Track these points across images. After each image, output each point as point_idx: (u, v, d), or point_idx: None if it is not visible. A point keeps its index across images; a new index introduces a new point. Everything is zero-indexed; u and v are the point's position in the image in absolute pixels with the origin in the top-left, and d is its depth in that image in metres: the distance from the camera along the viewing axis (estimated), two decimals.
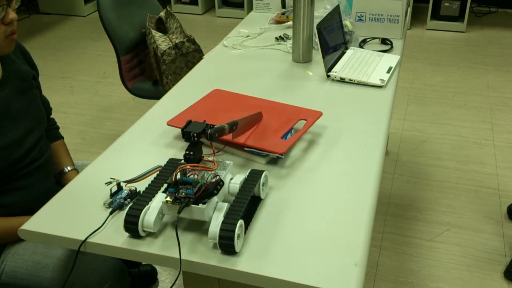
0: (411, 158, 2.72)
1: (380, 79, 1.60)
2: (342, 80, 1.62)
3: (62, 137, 1.55)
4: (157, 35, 2.32)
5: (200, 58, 2.28)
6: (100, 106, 3.38)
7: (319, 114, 1.33)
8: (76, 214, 1.05)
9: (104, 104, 3.40)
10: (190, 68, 1.80)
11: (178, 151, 1.27)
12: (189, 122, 1.06)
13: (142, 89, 2.48)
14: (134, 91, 2.48)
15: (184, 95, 1.56)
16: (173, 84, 1.68)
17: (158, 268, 1.95)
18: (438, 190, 2.46)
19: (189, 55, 2.34)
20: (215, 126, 1.06)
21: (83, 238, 0.98)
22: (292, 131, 1.29)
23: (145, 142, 1.32)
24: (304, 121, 1.30)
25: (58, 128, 1.56)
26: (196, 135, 1.02)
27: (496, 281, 1.94)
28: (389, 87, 1.59)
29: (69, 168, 1.47)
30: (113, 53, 2.33)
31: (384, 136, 1.32)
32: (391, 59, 1.75)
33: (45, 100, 1.48)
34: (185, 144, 1.03)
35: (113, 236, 0.99)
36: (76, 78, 3.76)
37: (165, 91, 1.61)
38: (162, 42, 2.30)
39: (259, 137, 1.24)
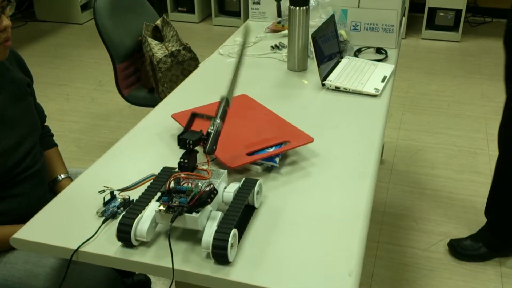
0: (406, 167, 2.72)
1: (375, 88, 1.60)
2: (337, 89, 1.62)
3: (56, 145, 1.55)
4: (153, 43, 2.32)
5: (196, 66, 2.28)
6: (95, 113, 3.37)
7: (308, 141, 1.25)
8: (68, 223, 1.05)
9: (100, 111, 3.40)
10: (186, 76, 1.80)
11: (172, 159, 1.27)
12: (186, 130, 1.06)
13: (138, 97, 2.48)
14: (130, 99, 2.47)
15: (179, 103, 1.55)
16: (169, 92, 1.68)
17: (152, 277, 1.94)
18: (433, 199, 2.46)
19: (185, 63, 2.34)
20: (210, 137, 1.06)
21: (75, 247, 0.97)
22: (271, 149, 1.24)
23: (139, 150, 1.31)
24: (287, 143, 1.25)
25: (52, 135, 1.55)
26: (192, 142, 1.02)
27: None
28: (383, 96, 1.59)
29: (62, 176, 1.46)
30: (109, 61, 2.33)
31: (378, 145, 1.32)
32: (386, 68, 1.75)
33: (40, 107, 1.48)
34: (180, 152, 1.03)
35: (105, 245, 0.98)
36: (72, 86, 3.76)
37: (161, 99, 1.60)
38: (158, 50, 2.30)
39: (225, 147, 1.21)
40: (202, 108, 1.45)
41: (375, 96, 1.58)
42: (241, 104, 1.46)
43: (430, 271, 2.03)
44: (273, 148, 1.23)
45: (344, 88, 1.61)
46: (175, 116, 1.40)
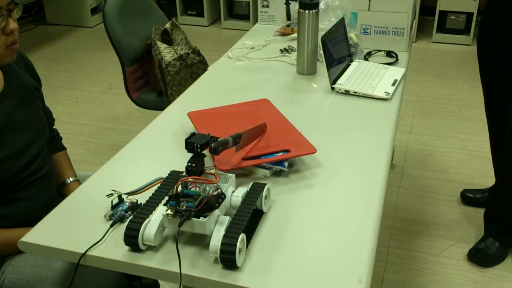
0: (417, 171, 2.70)
1: (385, 92, 1.58)
2: (346, 93, 1.61)
3: (65, 148, 1.55)
4: (162, 46, 2.32)
5: (205, 69, 2.28)
6: (105, 116, 3.38)
7: (309, 151, 1.21)
8: (76, 227, 1.04)
9: (109, 114, 3.40)
10: (194, 79, 1.80)
11: (180, 163, 1.26)
12: (193, 134, 1.06)
13: (147, 100, 2.47)
14: (139, 102, 2.47)
15: (188, 106, 1.55)
16: (178, 95, 1.67)
17: (160, 281, 1.93)
18: (445, 204, 2.43)
19: (193, 67, 2.34)
20: (219, 139, 1.05)
21: (83, 251, 0.96)
22: (269, 156, 1.21)
23: (147, 153, 1.31)
24: (287, 151, 1.22)
25: (60, 138, 1.55)
26: (200, 146, 1.01)
27: None
28: (394, 100, 1.57)
29: (71, 179, 1.46)
30: (118, 64, 2.33)
31: (389, 149, 1.31)
32: (397, 71, 1.74)
33: (48, 110, 1.48)
34: (188, 156, 1.02)
35: (113, 249, 0.97)
36: (81, 89, 3.77)
37: (170, 102, 1.60)
38: (167, 53, 2.30)
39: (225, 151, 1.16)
40: (218, 110, 1.44)
41: (385, 99, 1.57)
42: (258, 108, 1.45)
43: (441, 277, 2.00)
44: (271, 156, 1.21)
45: (354, 92, 1.60)
46: (190, 115, 1.39)
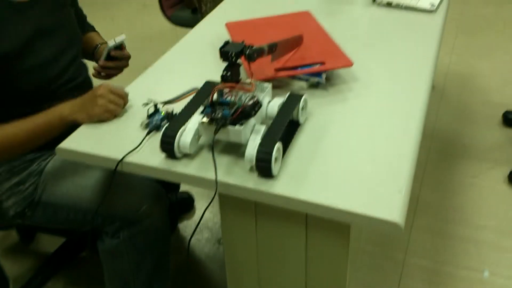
0: (457, 92, 2.61)
1: (431, 3, 1.50)
2: (389, 5, 1.53)
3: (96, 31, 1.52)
4: None
5: None
6: (139, 36, 3.35)
7: (345, 64, 1.17)
8: (113, 134, 1.05)
9: (144, 34, 3.37)
10: None
11: (216, 75, 1.23)
12: (227, 42, 1.02)
13: (181, 18, 2.43)
14: (173, 19, 2.43)
15: (222, 20, 1.50)
16: None
17: (195, 195, 1.97)
18: (484, 126, 2.36)
19: None
20: (253, 47, 1.02)
21: (120, 157, 0.97)
22: (303, 68, 1.18)
23: (183, 65, 1.29)
24: (322, 64, 1.18)
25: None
26: (235, 55, 0.98)
27: None
28: (439, 12, 1.49)
29: (101, 42, 1.44)
30: None
31: (433, 63, 1.25)
32: None
33: (82, 14, 1.46)
34: (223, 67, 1.00)
35: (149, 156, 0.97)
36: (117, 8, 3.73)
37: None
38: None
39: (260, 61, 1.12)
40: (258, 21, 1.40)
41: (430, 12, 1.48)
42: (298, 20, 1.40)
43: (479, 199, 1.97)
44: (306, 67, 1.17)
45: (397, 4, 1.51)
46: (228, 26, 1.36)
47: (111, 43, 1.31)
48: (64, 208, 1.24)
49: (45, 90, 1.19)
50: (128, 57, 1.37)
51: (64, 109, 1.10)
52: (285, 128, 0.96)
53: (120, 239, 1.26)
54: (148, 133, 1.02)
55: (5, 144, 1.09)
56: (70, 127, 1.08)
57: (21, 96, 1.17)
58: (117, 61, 1.36)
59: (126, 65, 1.38)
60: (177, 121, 0.97)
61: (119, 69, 1.38)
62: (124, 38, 1.34)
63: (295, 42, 1.25)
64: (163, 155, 0.97)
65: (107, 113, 1.08)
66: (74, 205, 1.23)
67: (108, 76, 1.38)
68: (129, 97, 1.14)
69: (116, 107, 1.09)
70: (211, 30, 1.46)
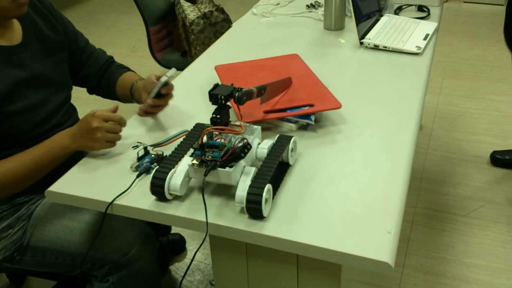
0: (446, 133, 2.64)
1: (417, 46, 1.54)
2: (376, 48, 1.56)
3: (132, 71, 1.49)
4: (185, 4, 2.28)
5: (229, 28, 2.24)
6: None
7: (334, 106, 1.18)
8: (103, 177, 1.04)
9: None
10: (218, 39, 1.77)
11: (205, 117, 1.25)
12: (216, 85, 1.04)
13: (171, 60, 2.46)
14: (163, 62, 2.46)
15: (212, 63, 1.52)
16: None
17: (186, 237, 1.95)
18: (473, 165, 2.38)
19: (217, 25, 2.30)
20: (243, 90, 1.03)
21: (110, 200, 0.97)
22: (292, 110, 1.19)
23: (172, 107, 1.30)
24: (312, 106, 1.20)
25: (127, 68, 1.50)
26: (224, 97, 1.00)
27: None
28: (425, 54, 1.53)
29: (138, 81, 1.38)
30: (143, 26, 2.31)
31: (419, 105, 1.27)
32: (428, 26, 1.68)
33: (99, 51, 1.48)
34: (212, 109, 1.01)
35: (140, 198, 0.97)
36: (107, 50, 3.76)
37: None
38: (190, 11, 2.27)
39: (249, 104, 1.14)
40: (246, 63, 1.42)
41: (416, 54, 1.52)
42: (286, 62, 1.42)
43: (469, 237, 1.97)
44: (296, 110, 1.19)
45: (384, 47, 1.55)
46: (217, 68, 1.38)
47: (163, 79, 1.20)
48: (53, 252, 1.23)
49: (31, 133, 1.20)
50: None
51: (63, 139, 1.11)
52: (275, 170, 0.96)
53: (110, 282, 1.24)
54: (138, 176, 1.02)
55: (8, 179, 1.10)
56: (58, 172, 1.08)
57: (6, 139, 1.18)
58: (165, 97, 1.24)
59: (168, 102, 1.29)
60: (167, 163, 0.97)
61: (164, 106, 1.27)
62: (174, 72, 1.24)
63: (284, 85, 1.27)
64: (153, 197, 0.97)
65: (108, 144, 1.10)
66: (63, 249, 1.22)
67: (153, 114, 1.28)
68: (119, 140, 1.14)
69: (115, 135, 1.10)
70: (201, 72, 1.48)
